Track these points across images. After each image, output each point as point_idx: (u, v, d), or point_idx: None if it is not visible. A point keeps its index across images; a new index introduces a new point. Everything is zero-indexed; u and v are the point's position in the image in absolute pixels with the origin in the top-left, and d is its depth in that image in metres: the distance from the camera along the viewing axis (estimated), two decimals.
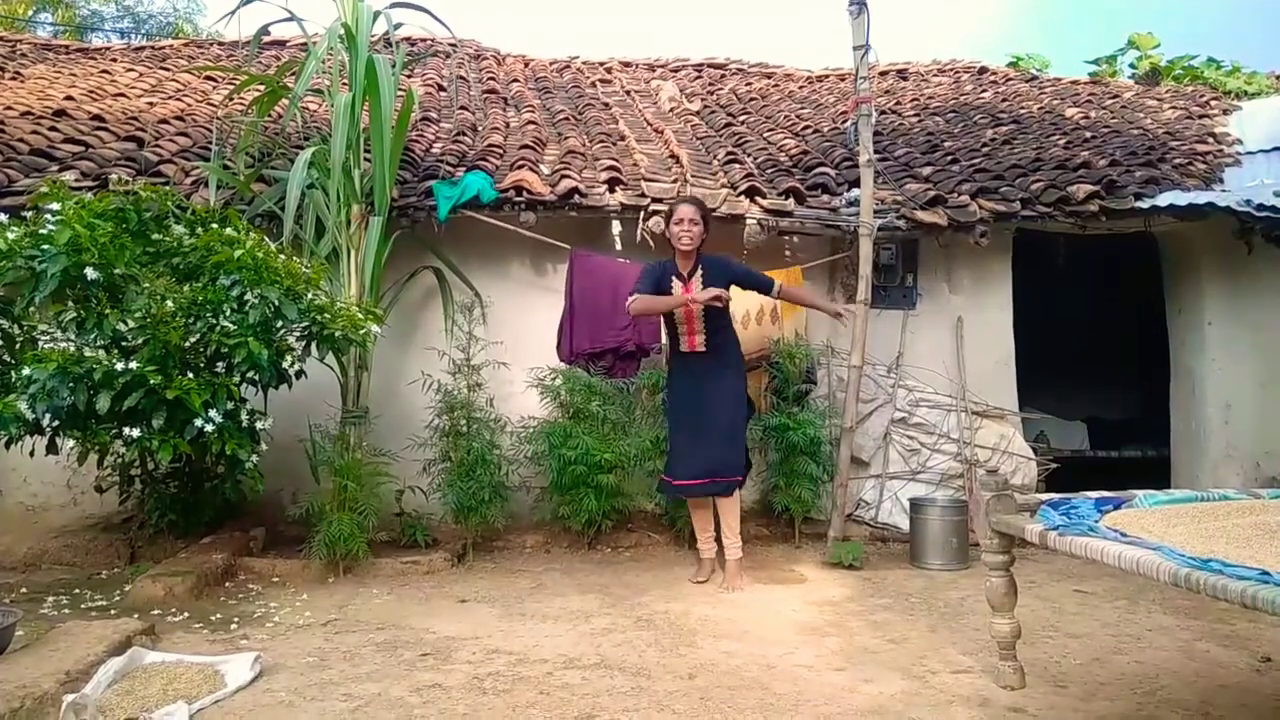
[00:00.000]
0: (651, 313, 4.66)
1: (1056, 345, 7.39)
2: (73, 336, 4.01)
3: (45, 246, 3.97)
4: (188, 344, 4.07)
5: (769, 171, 6.18)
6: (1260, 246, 6.15)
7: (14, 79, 7.89)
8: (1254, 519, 2.65)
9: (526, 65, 10.04)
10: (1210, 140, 7.24)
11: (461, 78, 9.05)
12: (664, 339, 4.91)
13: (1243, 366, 6.33)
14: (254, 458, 4.29)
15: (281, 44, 9.26)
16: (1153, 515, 2.75)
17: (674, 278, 4.55)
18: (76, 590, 4.35)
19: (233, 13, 5.59)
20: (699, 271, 4.53)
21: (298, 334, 4.40)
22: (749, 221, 5.48)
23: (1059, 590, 4.44)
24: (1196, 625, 3.83)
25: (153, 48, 10.07)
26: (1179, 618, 3.95)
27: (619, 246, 5.66)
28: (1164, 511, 2.80)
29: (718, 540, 4.62)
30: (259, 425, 4.33)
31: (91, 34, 16.54)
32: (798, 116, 8.18)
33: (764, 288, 4.62)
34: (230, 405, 4.10)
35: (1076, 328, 8.30)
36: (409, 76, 8.34)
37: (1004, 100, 8.98)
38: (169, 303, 4.07)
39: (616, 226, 5.62)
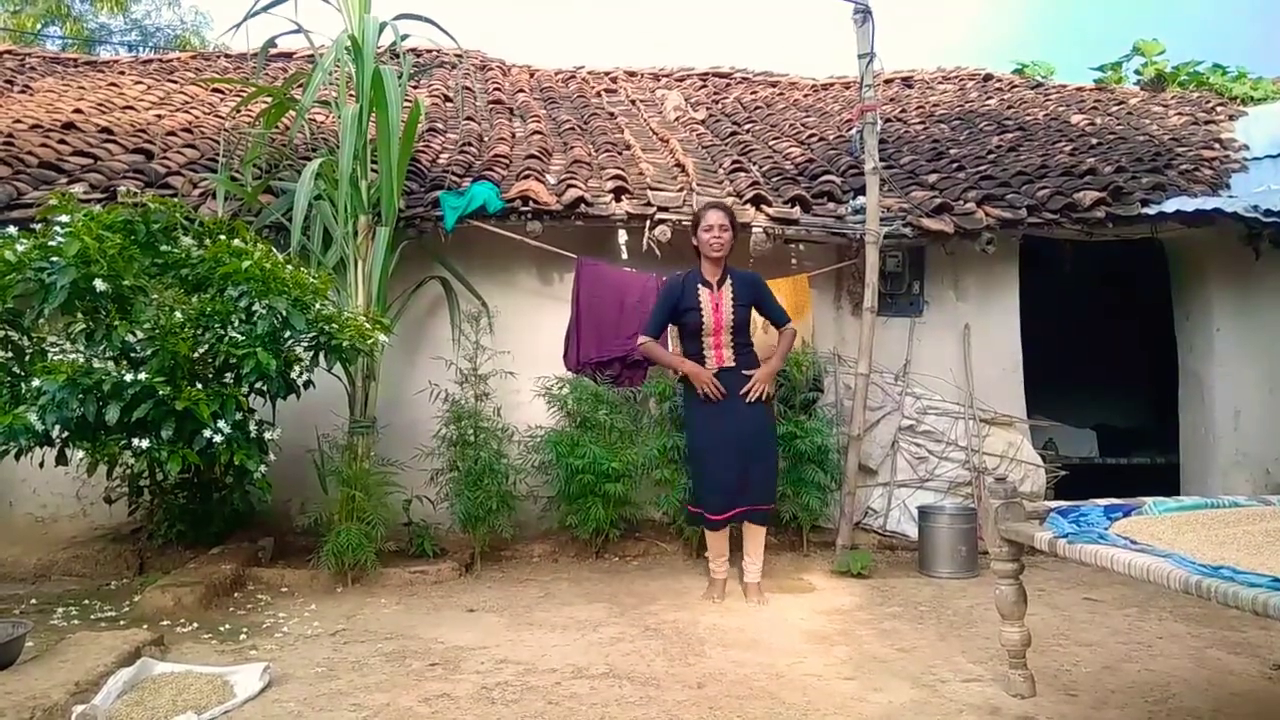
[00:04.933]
0: (654, 362, 4.49)
1: (1064, 352, 7.37)
2: (82, 348, 4.02)
3: (54, 258, 3.99)
4: (196, 355, 4.09)
5: (774, 180, 6.19)
6: (1268, 252, 6.13)
7: (23, 92, 7.95)
8: (1264, 525, 2.64)
9: (532, 75, 10.08)
10: (1216, 146, 7.23)
11: (467, 88, 9.08)
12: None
13: (1251, 372, 6.30)
14: (262, 468, 4.30)
15: (288, 56, 9.30)
16: (1162, 522, 2.74)
17: (700, 285, 4.39)
18: (86, 601, 4.36)
19: (239, 25, 5.63)
20: (728, 281, 4.40)
21: (306, 344, 4.41)
22: (755, 230, 5.49)
23: (1069, 598, 4.43)
24: (1207, 633, 3.81)
25: (160, 60, 10.12)
26: (1190, 625, 3.93)
27: (625, 255, 5.67)
28: (1174, 519, 2.79)
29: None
30: (267, 435, 4.33)
31: (100, 47, 16.63)
32: (803, 125, 8.19)
33: (778, 322, 4.52)
34: (239, 416, 4.12)
35: (1084, 334, 8.29)
36: (415, 87, 8.38)
37: (1009, 107, 8.98)
38: (178, 314, 4.09)
39: (622, 235, 5.63)
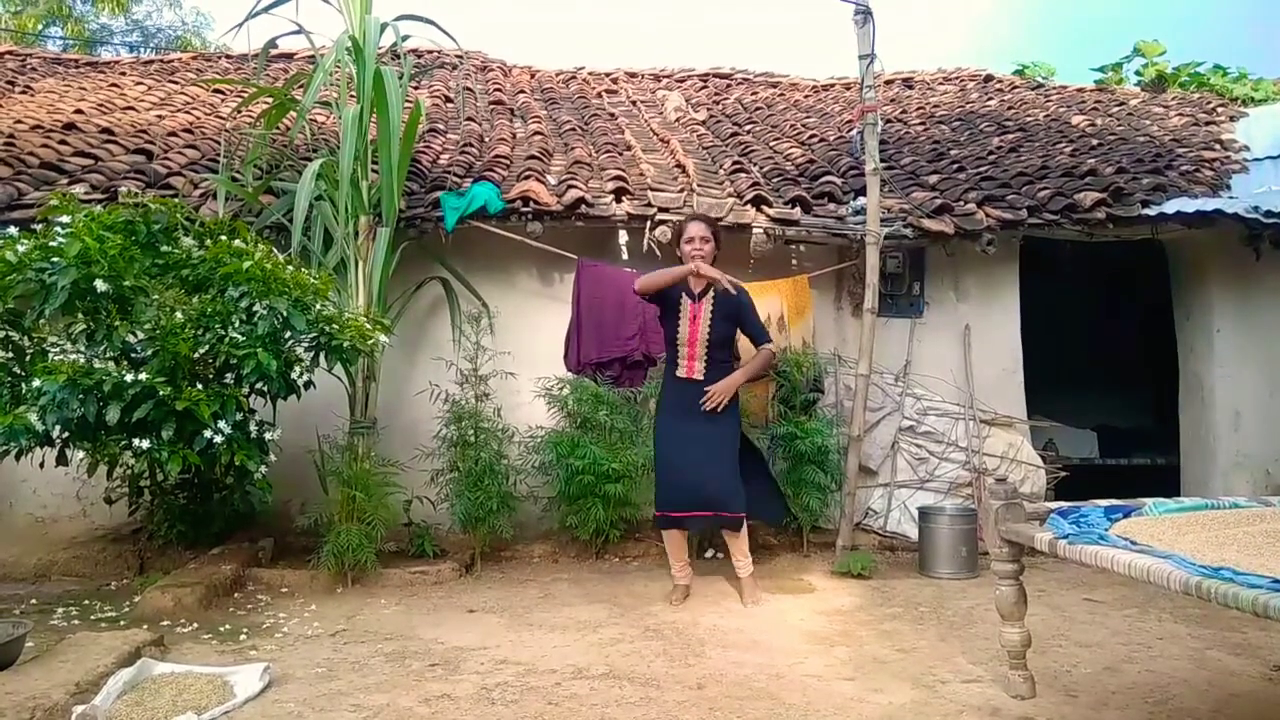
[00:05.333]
0: (657, 287, 4.34)
1: (1065, 353, 7.37)
2: (82, 348, 4.03)
3: (55, 259, 4.00)
4: (197, 355, 4.09)
5: (775, 180, 6.19)
6: (1268, 253, 6.13)
7: (24, 93, 7.95)
8: (1264, 527, 2.64)
9: (532, 76, 10.08)
10: (1217, 147, 7.23)
11: (468, 89, 9.08)
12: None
13: (1252, 373, 6.30)
14: (263, 468, 4.30)
15: (289, 57, 9.30)
16: (1163, 523, 2.74)
17: (684, 294, 4.37)
18: (86, 601, 4.37)
19: (240, 25, 5.65)
20: (710, 294, 4.35)
21: (306, 345, 4.41)
22: (755, 231, 5.49)
23: (1069, 599, 4.43)
24: (1207, 634, 3.81)
25: (161, 61, 10.13)
26: (1190, 626, 3.93)
27: (625, 256, 5.67)
28: (1174, 520, 2.79)
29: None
30: (268, 436, 4.34)
31: (101, 48, 16.64)
32: (803, 125, 8.19)
33: (756, 340, 4.41)
34: (239, 416, 4.12)
35: (1085, 335, 8.28)
36: (416, 88, 8.38)
37: (1010, 108, 8.99)
38: (178, 314, 4.09)
39: (623, 236, 5.63)
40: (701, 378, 4.32)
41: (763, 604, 4.35)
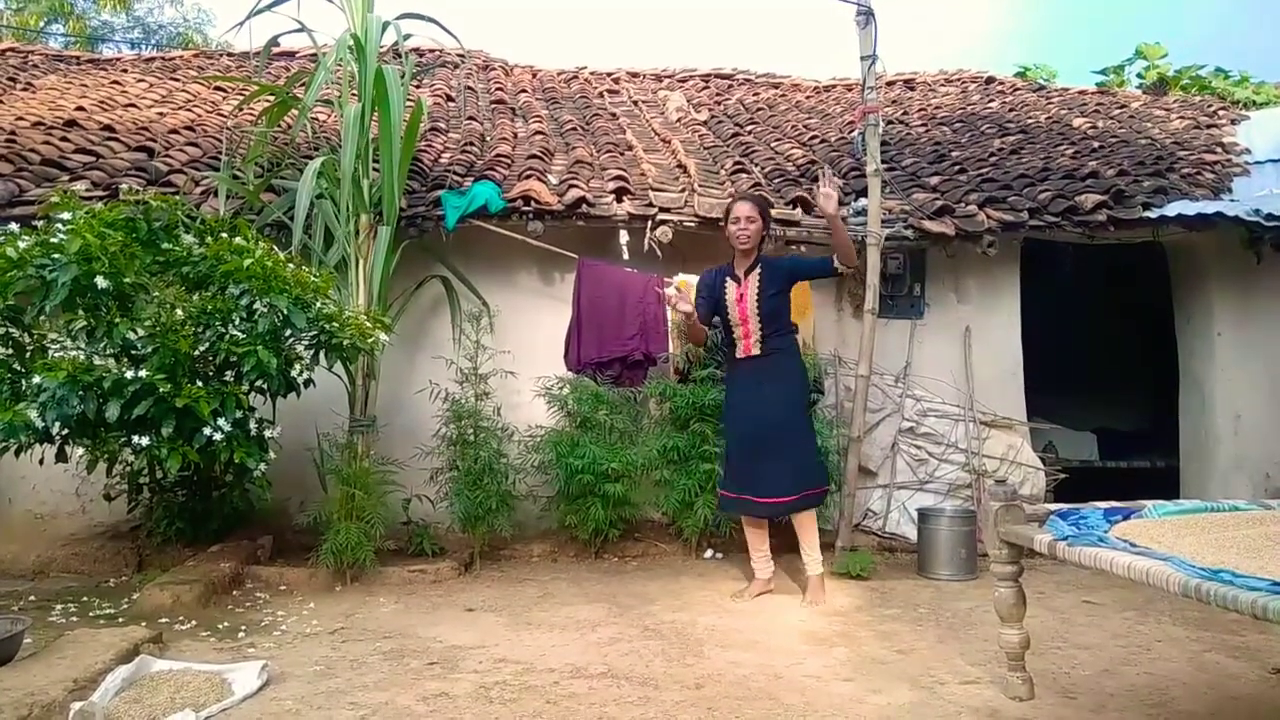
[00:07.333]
0: (693, 330, 4.63)
1: (1065, 355, 7.37)
2: (83, 345, 4.02)
3: (56, 256, 3.99)
4: (197, 352, 4.09)
5: (776, 181, 6.19)
6: (1269, 256, 6.12)
7: (25, 90, 7.95)
8: (1264, 529, 2.63)
9: (534, 76, 10.08)
10: (1218, 150, 7.22)
11: (470, 88, 9.09)
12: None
13: (1252, 376, 6.29)
14: (262, 466, 4.30)
15: (291, 55, 9.30)
16: (1162, 526, 2.74)
17: (728, 279, 4.50)
18: (84, 598, 4.36)
19: (242, 23, 5.65)
20: (757, 270, 4.45)
21: (306, 343, 4.41)
22: None
23: (1068, 601, 4.42)
24: (1206, 636, 3.81)
25: (163, 58, 10.12)
26: (1189, 629, 3.93)
27: (626, 256, 5.66)
28: (1173, 522, 2.79)
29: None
30: (267, 434, 4.33)
31: (102, 45, 16.63)
32: (805, 126, 8.18)
33: (824, 271, 4.55)
34: (239, 414, 4.12)
35: (1085, 337, 8.28)
36: (417, 87, 8.38)
37: (1011, 110, 8.98)
38: (178, 311, 4.09)
39: (624, 236, 5.62)
40: (759, 352, 4.42)
41: (824, 605, 4.33)
